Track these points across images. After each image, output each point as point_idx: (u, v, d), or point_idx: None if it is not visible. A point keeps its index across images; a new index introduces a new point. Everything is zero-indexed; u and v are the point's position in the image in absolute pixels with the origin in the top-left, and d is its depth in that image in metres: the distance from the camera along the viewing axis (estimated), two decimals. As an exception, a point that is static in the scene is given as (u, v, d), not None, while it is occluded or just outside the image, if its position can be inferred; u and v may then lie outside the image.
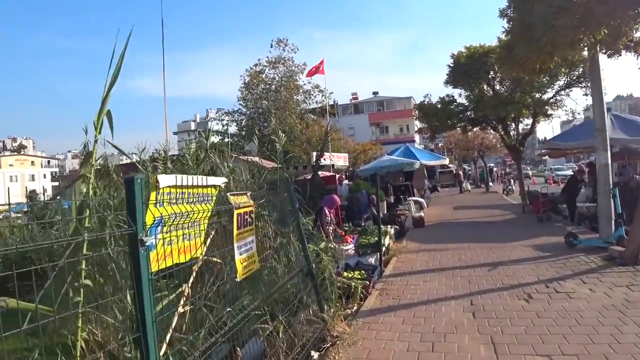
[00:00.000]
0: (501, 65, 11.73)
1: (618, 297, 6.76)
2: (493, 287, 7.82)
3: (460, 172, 42.86)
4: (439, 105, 18.34)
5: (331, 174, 17.74)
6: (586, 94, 16.64)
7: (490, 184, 38.39)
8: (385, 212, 17.25)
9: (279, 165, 8.52)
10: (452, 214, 19.90)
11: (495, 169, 55.70)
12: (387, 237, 11.63)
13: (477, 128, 20.61)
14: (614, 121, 14.44)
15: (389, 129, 70.45)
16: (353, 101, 76.28)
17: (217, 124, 44.78)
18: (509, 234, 13.11)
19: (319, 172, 22.53)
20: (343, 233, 11.04)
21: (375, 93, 78.95)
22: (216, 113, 43.42)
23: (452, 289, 7.90)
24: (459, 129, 19.59)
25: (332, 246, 8.79)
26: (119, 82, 3.92)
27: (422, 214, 16.95)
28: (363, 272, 8.84)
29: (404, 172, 23.72)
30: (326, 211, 10.28)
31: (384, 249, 10.67)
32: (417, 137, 69.34)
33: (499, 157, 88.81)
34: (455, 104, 18.44)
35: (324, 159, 27.27)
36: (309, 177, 17.52)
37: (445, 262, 10.11)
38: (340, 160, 30.31)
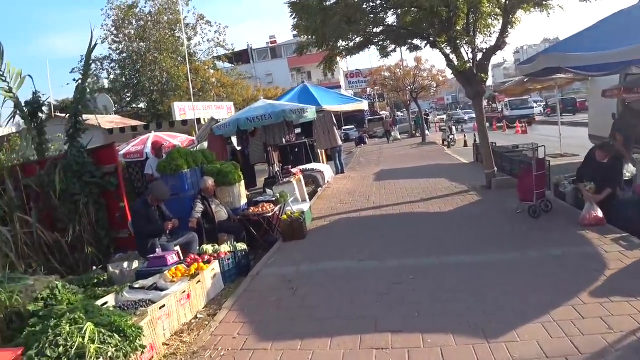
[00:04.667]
0: None
1: None
2: None
3: (389, 119, 35.63)
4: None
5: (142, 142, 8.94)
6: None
7: (427, 132, 30.84)
8: (242, 205, 8.95)
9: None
10: (369, 194, 11.80)
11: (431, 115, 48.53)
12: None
13: (406, 48, 12.37)
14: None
15: (311, 74, 61.49)
16: (271, 45, 66.55)
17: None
18: (498, 287, 5.01)
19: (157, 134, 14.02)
20: None
21: (296, 35, 69.28)
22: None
23: None
24: (374, 49, 11.39)
25: None
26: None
27: (305, 210, 8.81)
28: None
29: (302, 124, 15.48)
30: None
31: None
32: (343, 82, 61.16)
33: (432, 102, 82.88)
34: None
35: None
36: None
37: None
38: (221, 111, 21.70)
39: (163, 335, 4.49)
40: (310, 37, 10.68)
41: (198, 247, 7.10)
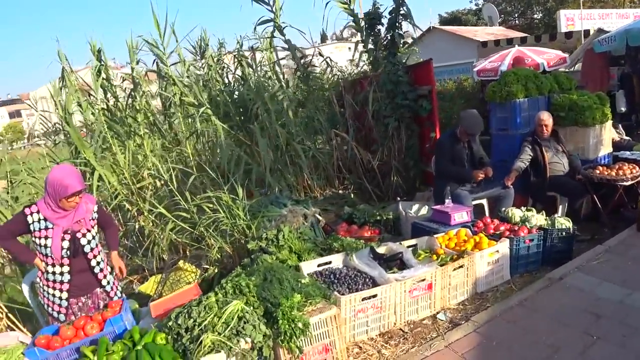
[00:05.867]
0: None
1: None
2: None
3: None
4: None
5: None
6: None
7: None
8: (600, 156, 6.37)
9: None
10: None
11: None
12: None
13: None
14: None
15: None
16: None
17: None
18: None
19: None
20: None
21: None
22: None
23: None
24: None
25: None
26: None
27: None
28: None
29: None
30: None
31: None
32: None
33: None
34: None
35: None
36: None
37: None
38: (623, 21, 17.06)
39: (366, 332, 3.32)
40: None
41: (511, 207, 5.29)
